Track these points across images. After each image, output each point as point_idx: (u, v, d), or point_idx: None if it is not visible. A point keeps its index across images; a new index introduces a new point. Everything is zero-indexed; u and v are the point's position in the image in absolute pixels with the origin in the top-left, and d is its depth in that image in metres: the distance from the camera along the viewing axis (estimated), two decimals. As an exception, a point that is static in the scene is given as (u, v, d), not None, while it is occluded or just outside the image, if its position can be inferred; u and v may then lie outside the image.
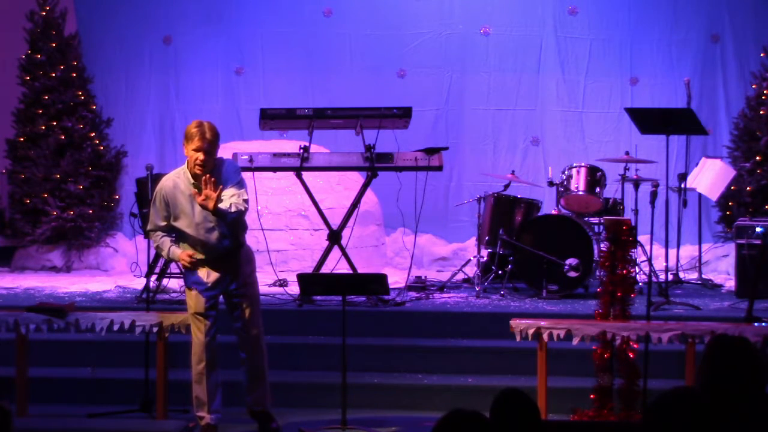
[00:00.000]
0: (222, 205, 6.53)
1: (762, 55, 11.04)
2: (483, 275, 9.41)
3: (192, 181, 6.61)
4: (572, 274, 9.17)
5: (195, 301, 6.77)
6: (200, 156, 6.52)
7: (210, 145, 6.54)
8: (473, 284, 9.51)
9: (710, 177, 9.88)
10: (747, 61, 11.41)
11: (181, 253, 6.66)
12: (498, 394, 3.95)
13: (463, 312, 8.57)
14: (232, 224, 6.72)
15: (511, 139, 11.77)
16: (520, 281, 9.51)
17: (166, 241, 6.72)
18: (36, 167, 11.24)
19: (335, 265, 9.23)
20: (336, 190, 10.75)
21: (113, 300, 9.15)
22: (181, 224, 6.68)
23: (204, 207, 6.51)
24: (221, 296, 6.85)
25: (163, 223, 6.71)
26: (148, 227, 6.83)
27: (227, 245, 6.76)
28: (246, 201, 6.70)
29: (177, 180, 6.67)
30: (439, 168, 9.21)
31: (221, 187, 6.51)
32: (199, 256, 6.67)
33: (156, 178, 8.13)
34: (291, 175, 9.54)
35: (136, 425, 7.10)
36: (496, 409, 3.89)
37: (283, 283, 9.51)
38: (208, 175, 6.48)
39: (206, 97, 11.92)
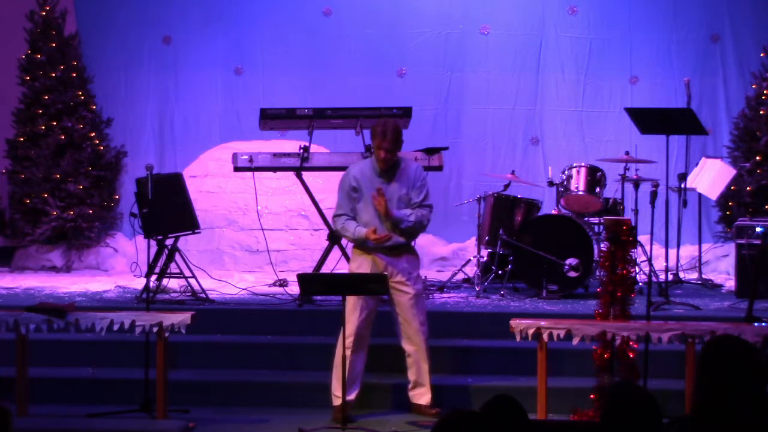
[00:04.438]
0: (403, 212, 7.26)
1: (762, 55, 11.03)
2: (483, 275, 9.41)
3: (379, 170, 7.31)
4: (572, 274, 9.17)
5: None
6: (381, 153, 7.24)
7: (391, 144, 7.24)
8: (473, 284, 9.51)
9: (710, 177, 9.87)
10: (747, 61, 11.40)
11: (367, 230, 7.20)
12: (485, 402, 3.95)
13: (463, 312, 8.57)
14: (406, 231, 7.31)
15: (510, 138, 11.77)
16: (520, 281, 9.51)
17: (351, 223, 7.31)
18: (36, 167, 11.24)
19: (335, 265, 9.24)
20: (336, 190, 10.73)
21: (113, 300, 9.15)
22: (360, 208, 7.33)
23: (377, 207, 7.24)
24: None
25: (350, 207, 7.33)
26: (335, 212, 7.42)
27: (397, 239, 7.29)
28: (430, 214, 7.41)
29: (364, 168, 7.38)
30: (439, 168, 9.21)
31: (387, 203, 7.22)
32: (385, 233, 7.20)
33: (156, 178, 8.16)
34: (291, 175, 9.54)
35: (136, 425, 7.10)
36: (485, 415, 3.89)
37: (283, 283, 9.53)
38: (380, 188, 7.22)
39: (206, 97, 11.92)
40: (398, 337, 7.42)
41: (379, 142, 7.23)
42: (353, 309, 7.17)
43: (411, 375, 7.41)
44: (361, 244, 7.36)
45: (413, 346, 7.35)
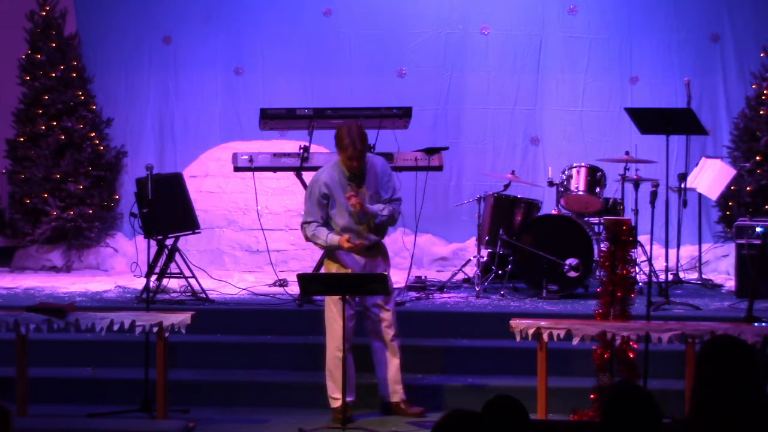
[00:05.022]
0: (376, 207, 7.24)
1: (762, 55, 11.03)
2: (483, 275, 9.41)
3: (348, 174, 7.21)
4: (572, 274, 9.17)
5: None
6: (354, 163, 7.14)
7: (361, 152, 7.15)
8: (473, 284, 9.51)
9: (710, 177, 9.87)
10: (747, 61, 11.39)
11: (341, 238, 7.16)
12: (487, 402, 3.96)
13: (463, 312, 8.58)
14: (379, 225, 7.33)
15: (510, 138, 11.75)
16: (520, 281, 9.51)
17: (323, 230, 7.26)
18: (36, 167, 11.23)
19: (335, 265, 9.23)
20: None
21: (113, 300, 9.15)
22: (334, 214, 7.26)
23: (353, 207, 7.16)
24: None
25: (321, 214, 7.25)
26: (304, 219, 7.34)
27: (372, 238, 7.32)
28: (400, 207, 7.45)
29: (333, 172, 7.28)
30: (439, 168, 9.22)
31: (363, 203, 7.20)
32: (358, 241, 7.19)
33: (156, 178, 8.16)
34: (291, 175, 9.54)
35: (136, 425, 7.10)
36: (486, 415, 3.89)
37: (283, 283, 9.52)
38: (352, 186, 7.17)
39: (206, 97, 11.91)
40: (368, 335, 7.44)
41: (351, 153, 7.13)
42: (338, 313, 7.14)
43: (380, 372, 7.41)
44: (332, 252, 7.36)
45: (385, 342, 7.38)
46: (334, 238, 7.24)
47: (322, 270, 7.78)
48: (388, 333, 7.37)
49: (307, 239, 7.43)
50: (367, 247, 7.32)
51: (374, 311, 7.36)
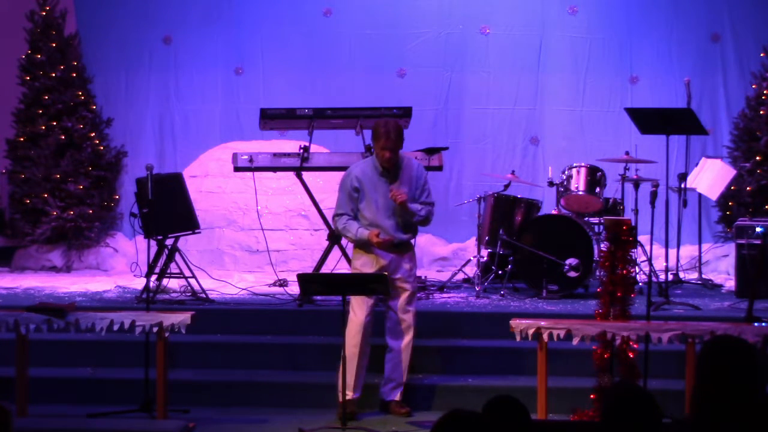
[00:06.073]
0: (415, 206, 7.35)
1: (762, 55, 11.03)
2: (483, 275, 9.41)
3: (381, 170, 7.33)
4: (572, 274, 9.17)
5: None
6: (386, 154, 7.24)
7: (395, 144, 7.26)
8: (473, 284, 9.51)
9: (710, 177, 9.88)
10: (747, 61, 11.39)
11: (370, 233, 7.23)
12: (487, 402, 3.96)
13: (463, 312, 8.57)
14: (414, 224, 7.43)
15: (510, 138, 11.76)
16: (520, 281, 9.51)
17: (354, 224, 7.36)
18: (36, 167, 11.24)
19: (335, 265, 9.24)
20: (336, 190, 10.72)
21: (113, 300, 9.15)
22: (363, 207, 7.37)
23: (394, 200, 7.25)
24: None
25: (351, 207, 7.36)
26: (336, 211, 7.45)
27: (400, 237, 7.37)
28: (433, 209, 7.53)
29: (365, 167, 7.41)
30: (439, 168, 9.22)
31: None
32: (387, 237, 7.26)
33: (156, 178, 8.16)
34: (291, 175, 9.54)
35: (136, 425, 7.10)
36: (487, 415, 3.89)
37: (283, 283, 9.53)
38: (396, 185, 7.29)
39: (206, 97, 11.92)
40: (386, 332, 7.43)
41: (383, 143, 7.25)
42: (359, 307, 7.20)
43: (387, 370, 7.42)
44: (363, 244, 7.39)
45: (401, 341, 7.38)
46: (363, 233, 7.30)
47: (350, 262, 7.79)
48: (407, 334, 7.37)
49: (337, 231, 7.58)
50: (396, 244, 7.36)
51: (396, 311, 7.37)
